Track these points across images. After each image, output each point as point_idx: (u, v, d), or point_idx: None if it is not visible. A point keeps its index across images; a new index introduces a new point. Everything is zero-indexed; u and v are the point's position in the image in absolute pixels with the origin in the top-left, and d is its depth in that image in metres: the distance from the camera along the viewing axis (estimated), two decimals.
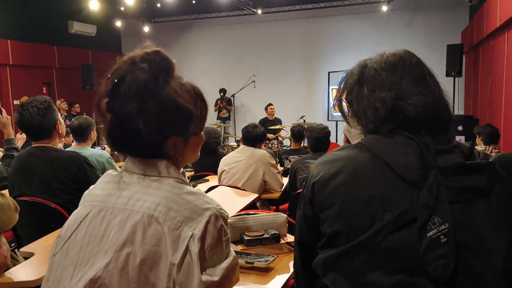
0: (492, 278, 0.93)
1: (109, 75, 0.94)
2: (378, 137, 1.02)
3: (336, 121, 8.85)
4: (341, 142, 8.00)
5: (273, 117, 8.48)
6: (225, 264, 0.91)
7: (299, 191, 3.34)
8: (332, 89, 9.42)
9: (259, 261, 1.65)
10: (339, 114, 1.23)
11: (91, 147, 3.42)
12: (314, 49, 10.30)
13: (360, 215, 0.95)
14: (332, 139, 4.53)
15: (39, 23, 8.91)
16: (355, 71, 1.11)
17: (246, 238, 1.90)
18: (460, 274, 0.91)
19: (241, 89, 9.08)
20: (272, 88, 10.21)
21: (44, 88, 9.28)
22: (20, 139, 3.74)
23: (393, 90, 1.02)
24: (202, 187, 3.49)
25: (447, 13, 9.17)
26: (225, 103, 10.03)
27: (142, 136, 0.92)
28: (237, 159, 3.59)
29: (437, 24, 9.20)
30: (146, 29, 10.84)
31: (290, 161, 4.69)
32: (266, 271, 1.65)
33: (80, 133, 3.29)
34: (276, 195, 3.64)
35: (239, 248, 1.89)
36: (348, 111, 1.13)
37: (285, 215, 2.04)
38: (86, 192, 1.02)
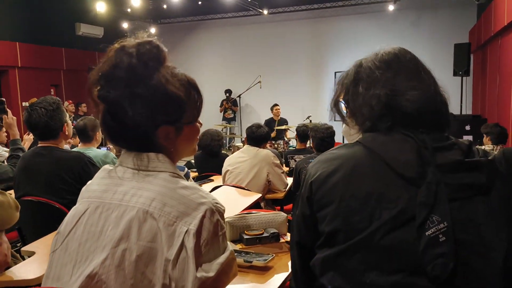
0: (492, 276, 0.92)
1: (101, 63, 0.94)
2: (375, 134, 1.01)
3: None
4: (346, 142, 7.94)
5: (279, 118, 8.47)
6: (221, 259, 0.91)
7: None
8: None
9: (257, 260, 1.64)
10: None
11: (97, 147, 3.44)
12: (320, 49, 10.28)
13: (357, 213, 0.94)
14: (338, 139, 4.51)
15: (46, 26, 9.00)
16: (351, 71, 1.10)
17: (245, 237, 1.90)
18: (459, 273, 0.90)
19: (247, 90, 9.09)
20: (278, 89, 10.21)
21: (52, 90, 9.38)
22: (27, 140, 3.78)
23: (388, 86, 1.01)
24: (206, 187, 3.50)
25: (454, 12, 9.09)
26: (231, 103, 10.04)
27: (132, 123, 0.92)
28: (241, 159, 3.59)
29: (444, 23, 9.13)
30: (153, 30, 10.89)
31: (295, 160, 4.69)
32: (264, 270, 1.65)
33: (85, 134, 3.32)
34: (281, 195, 3.64)
35: (238, 247, 1.89)
36: (347, 111, 1.12)
37: (285, 214, 2.03)
38: (83, 188, 1.03)
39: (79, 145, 3.45)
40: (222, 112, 10.19)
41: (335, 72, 9.47)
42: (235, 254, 0.99)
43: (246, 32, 10.84)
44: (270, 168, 3.56)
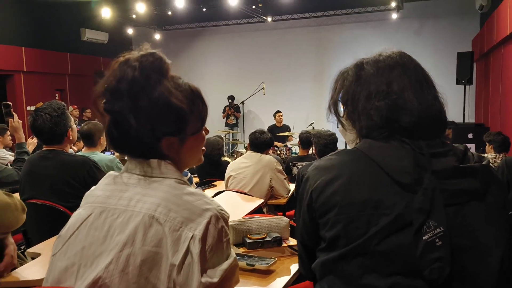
0: (488, 280, 0.93)
1: (106, 75, 0.97)
2: (372, 141, 1.03)
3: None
4: None
5: (281, 124, 8.49)
6: (225, 265, 0.92)
7: None
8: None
9: (260, 264, 1.66)
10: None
11: (102, 152, 3.46)
12: (323, 57, 10.31)
13: (355, 220, 0.96)
14: (340, 146, 4.52)
15: (52, 31, 9.08)
16: (351, 72, 1.10)
17: (248, 241, 1.91)
18: (456, 277, 0.91)
19: (250, 96, 9.12)
20: (281, 95, 10.24)
21: (57, 95, 9.44)
22: (31, 144, 3.81)
23: (389, 98, 1.01)
24: (209, 192, 3.51)
25: (457, 21, 9.12)
26: (233, 109, 10.07)
27: (136, 135, 0.94)
28: (244, 164, 3.61)
29: (447, 31, 9.16)
30: (157, 36, 10.97)
31: (297, 168, 4.70)
32: (267, 274, 1.66)
33: (89, 138, 3.34)
34: (283, 201, 3.64)
35: (241, 250, 1.90)
36: (344, 111, 1.13)
37: (287, 219, 2.04)
38: (87, 193, 1.03)
39: (84, 149, 3.47)
40: (225, 118, 10.22)
41: None
42: (238, 257, 1.00)
43: (250, 39, 10.90)
44: (273, 174, 3.57)
